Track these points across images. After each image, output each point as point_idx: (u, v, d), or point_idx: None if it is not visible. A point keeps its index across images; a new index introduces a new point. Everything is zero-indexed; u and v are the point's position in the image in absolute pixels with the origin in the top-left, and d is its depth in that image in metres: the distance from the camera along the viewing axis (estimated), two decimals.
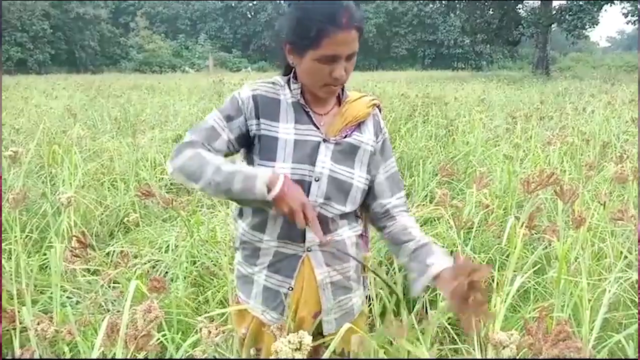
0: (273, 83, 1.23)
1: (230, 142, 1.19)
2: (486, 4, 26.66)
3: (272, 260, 1.24)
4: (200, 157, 1.12)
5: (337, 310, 1.29)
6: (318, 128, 1.21)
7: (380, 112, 1.34)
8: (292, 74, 1.23)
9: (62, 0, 40.80)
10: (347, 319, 1.29)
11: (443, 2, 28.17)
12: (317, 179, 1.18)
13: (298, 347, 0.65)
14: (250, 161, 1.23)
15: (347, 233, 1.28)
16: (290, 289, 1.23)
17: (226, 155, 1.22)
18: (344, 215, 1.25)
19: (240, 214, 1.29)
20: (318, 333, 1.27)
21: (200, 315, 2.10)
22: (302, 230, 1.17)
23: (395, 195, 1.30)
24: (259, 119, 1.19)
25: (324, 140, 1.20)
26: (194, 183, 1.13)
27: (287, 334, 0.81)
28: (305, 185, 1.17)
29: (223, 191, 1.10)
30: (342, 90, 1.28)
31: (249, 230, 1.26)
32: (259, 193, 1.06)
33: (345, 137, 1.23)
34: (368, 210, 1.32)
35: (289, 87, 1.23)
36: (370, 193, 1.29)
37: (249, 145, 1.23)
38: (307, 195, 1.17)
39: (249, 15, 53.87)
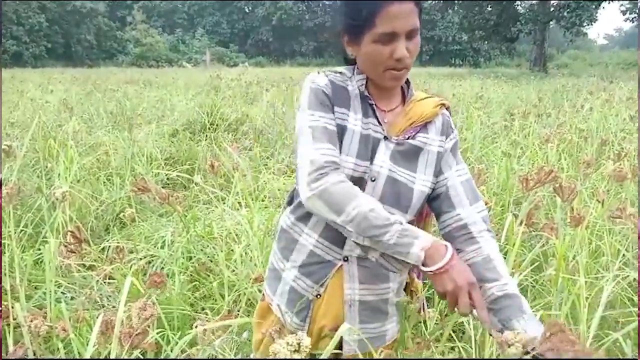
0: (341, 73, 1.16)
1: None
2: (484, 0, 26.62)
3: (306, 260, 1.15)
4: (348, 188, 1.02)
5: (363, 333, 1.15)
6: (380, 124, 1.13)
7: (450, 113, 1.23)
8: (355, 66, 1.16)
9: None
10: (376, 343, 1.17)
11: None
12: (373, 179, 1.08)
13: (297, 348, 0.64)
14: None
15: None
16: (318, 296, 1.15)
17: None
18: None
19: (291, 202, 1.22)
20: (339, 347, 1.16)
21: (196, 311, 2.10)
22: (344, 235, 1.08)
23: (474, 205, 1.12)
24: (333, 106, 1.12)
25: (385, 138, 1.11)
26: (335, 215, 1.01)
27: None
28: (360, 184, 1.07)
29: (370, 236, 1.00)
30: (408, 87, 1.19)
31: (293, 221, 1.18)
32: (412, 258, 0.98)
33: (409, 138, 1.13)
34: (441, 224, 1.15)
35: (354, 81, 1.15)
36: (444, 200, 1.13)
37: None
38: None
39: (247, 10, 53.66)
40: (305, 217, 1.15)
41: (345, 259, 1.12)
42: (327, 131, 1.07)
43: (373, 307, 1.16)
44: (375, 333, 1.18)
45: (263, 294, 1.30)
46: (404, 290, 1.29)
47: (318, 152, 1.04)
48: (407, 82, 1.19)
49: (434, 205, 1.17)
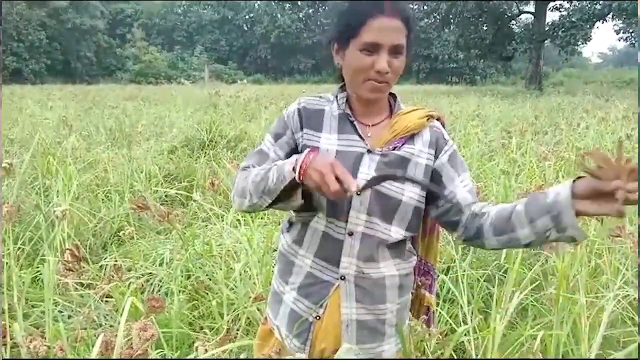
0: (320, 97, 1.22)
1: (279, 160, 1.13)
2: (480, 19, 26.98)
3: (304, 282, 1.16)
4: (246, 173, 1.14)
5: (360, 353, 1.15)
6: (363, 139, 1.14)
7: (443, 126, 1.22)
8: (339, 87, 1.21)
9: (59, 2, 40.87)
10: None
11: (437, 17, 28.48)
12: (358, 192, 1.08)
13: None
14: None
15: (389, 270, 1.15)
16: (317, 317, 1.15)
17: None
18: (392, 246, 1.14)
19: (289, 228, 1.24)
20: None
21: (195, 331, 2.08)
22: (339, 253, 1.11)
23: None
24: (303, 129, 1.17)
25: (369, 152, 1.12)
26: (246, 199, 1.12)
27: None
28: (346, 200, 1.09)
29: (264, 192, 1.06)
30: (395, 101, 1.21)
31: (289, 243, 1.21)
32: (287, 175, 1.00)
33: (395, 149, 1.13)
34: (459, 231, 1.15)
35: (337, 101, 1.19)
36: (456, 212, 1.13)
37: None
38: (348, 211, 1.09)
39: (245, 28, 54.19)
40: (300, 239, 1.18)
41: (342, 277, 1.12)
42: (260, 153, 1.20)
43: (370, 327, 1.15)
44: (373, 354, 1.17)
45: (265, 318, 1.30)
46: (414, 307, 1.30)
47: (243, 164, 1.21)
48: (394, 96, 1.22)
49: (445, 220, 1.16)
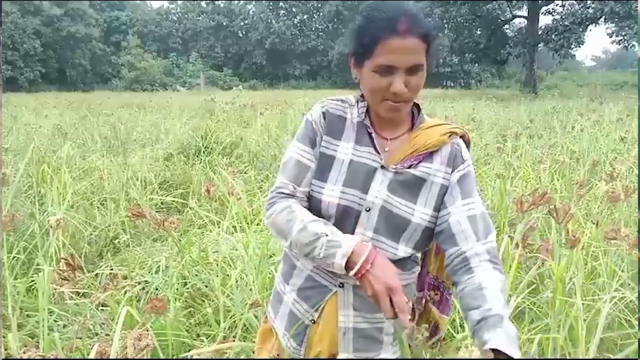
0: (342, 100, 1.17)
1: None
2: (474, 24, 27.13)
3: (303, 285, 1.15)
4: (289, 212, 1.07)
5: None
6: (378, 152, 1.09)
7: (468, 144, 1.16)
8: (361, 93, 1.16)
9: (56, 7, 40.86)
10: None
11: (432, 21, 28.63)
12: (367, 209, 1.06)
13: None
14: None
15: (406, 282, 1.13)
16: (313, 321, 1.14)
17: None
18: (397, 262, 1.07)
19: None
20: None
21: (191, 338, 2.07)
22: None
23: (482, 240, 1.03)
24: (322, 136, 1.13)
25: (382, 167, 1.08)
26: (284, 240, 1.09)
27: None
28: (353, 215, 1.07)
29: (307, 255, 1.03)
30: (419, 113, 1.15)
31: None
32: (337, 268, 0.98)
33: (410, 167, 1.08)
34: (446, 261, 1.08)
35: (357, 109, 1.15)
36: (446, 237, 1.06)
37: None
38: (355, 226, 1.07)
39: (240, 34, 54.27)
40: None
41: (341, 285, 1.12)
42: (299, 164, 1.13)
43: (367, 336, 1.13)
44: None
45: (266, 316, 1.30)
46: (420, 322, 1.26)
47: (279, 182, 1.13)
48: (418, 107, 1.17)
49: (438, 241, 1.10)
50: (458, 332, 1.94)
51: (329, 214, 1.09)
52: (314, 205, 1.11)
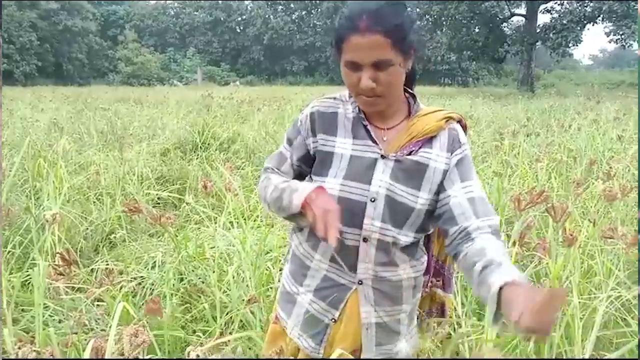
0: (334, 98, 1.19)
1: (293, 164, 1.20)
2: (472, 22, 27.11)
3: (320, 285, 1.16)
4: (267, 180, 1.19)
5: (378, 354, 1.17)
6: (377, 143, 1.11)
7: (464, 129, 1.18)
8: None
9: (50, 5, 40.61)
10: None
11: (430, 19, 28.60)
12: (372, 199, 1.07)
13: None
14: (310, 180, 1.20)
15: (406, 272, 1.15)
16: (334, 320, 1.15)
17: (301, 177, 1.23)
18: (405, 249, 1.13)
19: (300, 228, 1.23)
20: None
21: (188, 334, 2.06)
22: (355, 259, 1.11)
23: (482, 218, 1.05)
24: (316, 135, 1.15)
25: (383, 157, 1.09)
26: (266, 206, 1.18)
27: None
28: (359, 207, 1.08)
29: (279, 208, 1.11)
30: (415, 102, 1.17)
31: (305, 247, 1.19)
32: (294, 206, 1.05)
33: (410, 153, 1.10)
34: (447, 242, 1.10)
35: (351, 103, 1.17)
36: (447, 219, 1.08)
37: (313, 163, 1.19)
38: (363, 218, 1.08)
39: (238, 30, 54.06)
40: (315, 243, 1.16)
41: (360, 282, 1.13)
42: (280, 155, 1.23)
43: (387, 328, 1.16)
44: (390, 354, 1.18)
45: (276, 317, 1.29)
46: (423, 306, 1.31)
47: (266, 164, 1.26)
48: (414, 96, 1.18)
49: (439, 224, 1.11)
50: (453, 327, 1.93)
51: None
52: None
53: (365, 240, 1.09)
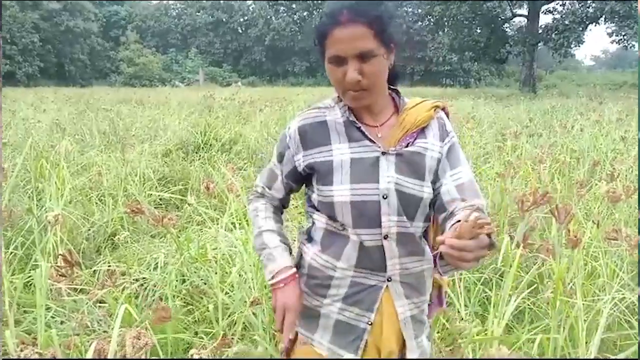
0: (319, 108, 1.19)
1: (284, 181, 1.23)
2: (474, 22, 27.05)
3: (349, 291, 1.14)
4: (254, 216, 1.26)
5: (418, 348, 1.17)
6: (374, 142, 1.12)
7: (447, 116, 1.21)
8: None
9: (53, 8, 40.69)
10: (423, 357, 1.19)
11: (431, 20, 28.58)
12: (385, 196, 1.08)
13: None
14: (312, 191, 1.18)
15: (428, 262, 1.17)
16: (370, 323, 1.14)
17: (292, 192, 1.28)
18: (420, 239, 1.15)
19: (310, 239, 1.21)
20: None
21: (190, 336, 2.06)
22: (382, 258, 1.11)
23: (469, 201, 1.09)
24: (307, 149, 1.15)
25: (384, 153, 1.10)
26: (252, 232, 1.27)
27: None
28: (373, 207, 1.08)
29: (257, 254, 1.24)
30: (399, 97, 1.20)
31: (325, 258, 1.16)
32: (266, 278, 1.18)
33: (407, 145, 1.12)
34: (440, 227, 1.16)
35: (339, 108, 1.17)
36: (439, 206, 1.13)
37: (303, 179, 1.21)
38: (380, 217, 1.08)
39: (240, 31, 54.07)
40: (338, 253, 1.14)
41: (389, 279, 1.13)
42: (270, 172, 1.26)
43: (418, 320, 1.18)
44: (422, 347, 1.18)
45: (296, 336, 1.24)
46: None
47: (257, 181, 1.31)
48: (397, 92, 1.20)
49: (434, 211, 1.16)
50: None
51: (345, 214, 1.10)
52: (328, 210, 1.13)
53: (385, 237, 1.09)
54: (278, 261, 1.17)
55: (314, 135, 1.15)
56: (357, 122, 1.14)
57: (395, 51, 1.11)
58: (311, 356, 1.19)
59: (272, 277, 1.15)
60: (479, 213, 0.89)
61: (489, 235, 0.89)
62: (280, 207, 1.30)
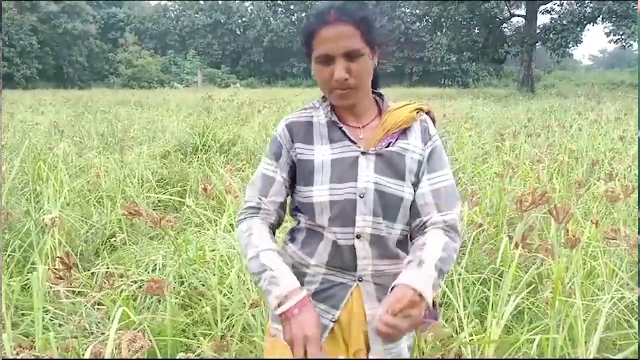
0: (305, 108, 1.22)
1: (285, 182, 1.18)
2: (472, 22, 27.10)
3: (319, 288, 1.15)
4: (247, 237, 1.13)
5: (385, 354, 1.16)
6: (355, 142, 1.13)
7: (433, 121, 1.22)
8: (323, 95, 1.20)
9: (50, 9, 40.66)
10: None
11: (429, 20, 28.62)
12: (361, 195, 1.09)
13: None
14: (295, 192, 1.19)
15: (404, 265, 1.13)
16: (334, 320, 1.14)
17: (288, 195, 1.21)
18: (400, 242, 1.15)
19: (293, 239, 1.22)
20: None
21: (189, 338, 2.05)
22: (353, 257, 1.11)
23: (442, 212, 1.11)
24: (294, 143, 1.17)
25: (363, 153, 1.12)
26: (244, 260, 1.15)
27: None
28: (349, 205, 1.09)
29: (255, 284, 1.14)
30: (382, 100, 1.21)
31: (298, 253, 1.18)
32: (270, 306, 1.03)
33: (388, 145, 1.13)
34: (411, 234, 1.17)
35: (322, 109, 1.19)
36: (414, 211, 1.14)
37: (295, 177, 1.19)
38: (355, 216, 1.09)
39: (238, 32, 54.06)
40: (311, 251, 1.16)
41: (360, 279, 1.13)
42: (264, 177, 1.19)
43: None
44: (394, 353, 1.17)
45: (274, 330, 1.23)
46: None
47: (247, 197, 1.20)
48: (381, 96, 1.22)
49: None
50: (455, 329, 1.92)
51: (324, 213, 1.11)
52: (307, 210, 1.14)
53: (358, 237, 1.10)
54: (284, 284, 1.03)
55: (299, 131, 1.17)
56: (339, 122, 1.15)
57: (379, 53, 1.14)
58: (279, 349, 1.17)
59: (280, 304, 1.01)
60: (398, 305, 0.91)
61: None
62: (276, 224, 1.22)
